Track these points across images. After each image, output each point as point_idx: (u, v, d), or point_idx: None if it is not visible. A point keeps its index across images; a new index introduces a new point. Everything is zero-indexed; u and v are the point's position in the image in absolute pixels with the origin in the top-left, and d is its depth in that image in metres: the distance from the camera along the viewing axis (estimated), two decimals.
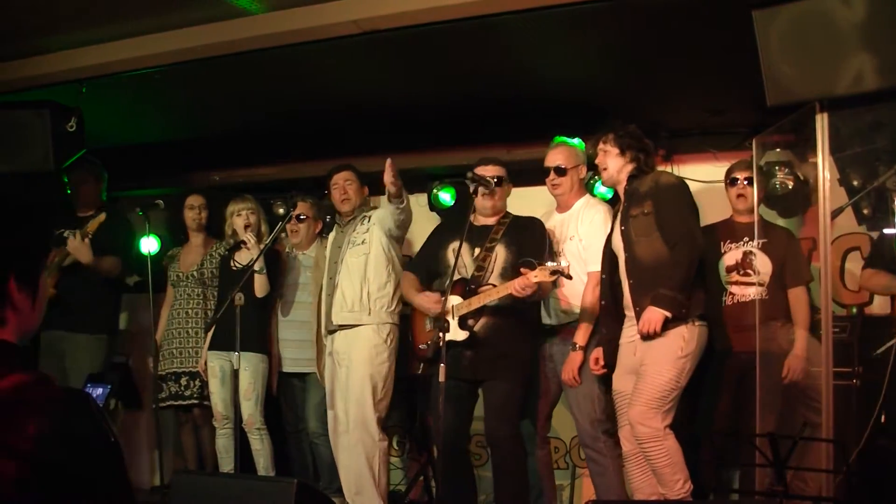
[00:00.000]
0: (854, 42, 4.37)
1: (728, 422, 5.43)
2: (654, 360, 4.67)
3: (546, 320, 5.47)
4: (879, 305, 5.84)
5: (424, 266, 5.58)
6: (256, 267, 5.98)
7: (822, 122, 4.78)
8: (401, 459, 7.01)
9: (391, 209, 5.50)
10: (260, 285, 6.09)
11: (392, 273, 5.74)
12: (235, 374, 5.86)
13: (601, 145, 5.03)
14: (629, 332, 4.88)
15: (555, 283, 5.05)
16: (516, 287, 4.86)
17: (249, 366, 6.07)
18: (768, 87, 4.62)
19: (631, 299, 4.84)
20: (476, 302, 5.11)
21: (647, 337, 4.68)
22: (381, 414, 5.62)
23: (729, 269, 5.59)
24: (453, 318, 5.12)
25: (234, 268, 6.34)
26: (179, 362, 6.54)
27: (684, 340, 4.67)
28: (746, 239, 5.58)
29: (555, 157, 5.46)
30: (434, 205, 6.89)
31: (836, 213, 5.08)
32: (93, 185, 6.65)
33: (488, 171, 5.35)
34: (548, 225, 5.41)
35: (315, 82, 6.05)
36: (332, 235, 6.12)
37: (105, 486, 1.72)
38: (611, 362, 5.01)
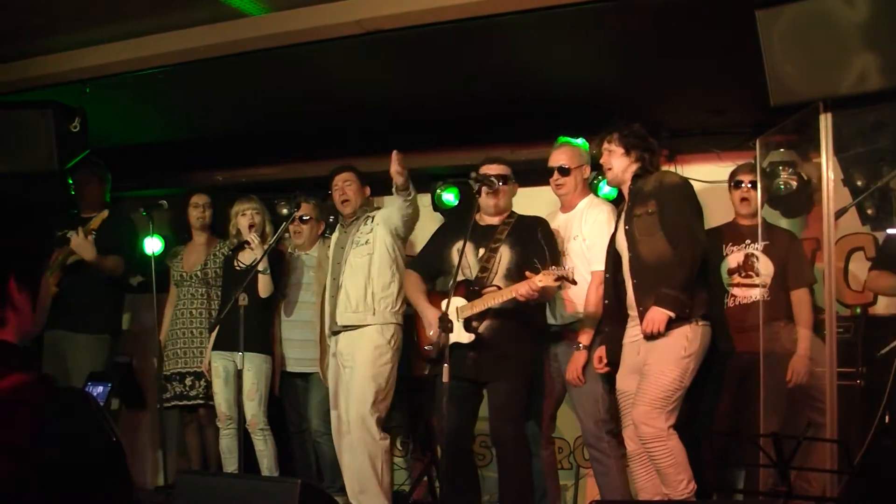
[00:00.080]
0: (857, 42, 4.37)
1: (729, 422, 5.43)
2: (658, 359, 4.67)
3: (550, 321, 5.47)
4: (883, 306, 5.83)
5: (428, 265, 5.59)
6: (260, 267, 5.98)
7: (825, 122, 4.78)
8: (405, 460, 7.01)
9: (398, 203, 5.50)
10: (263, 286, 6.09)
11: (396, 273, 5.73)
12: (239, 374, 5.86)
13: (606, 145, 5.02)
14: (633, 332, 4.88)
15: (559, 287, 5.05)
16: (520, 292, 4.87)
17: (253, 366, 6.06)
18: (772, 87, 4.62)
19: (634, 299, 4.84)
20: (480, 305, 5.12)
21: (650, 337, 4.68)
22: (382, 414, 5.61)
23: (731, 272, 5.59)
24: (458, 320, 5.13)
25: (238, 268, 6.34)
26: (184, 362, 6.54)
27: (687, 340, 4.66)
28: (748, 241, 5.59)
29: (558, 157, 5.47)
30: (437, 205, 6.89)
31: (839, 214, 5.07)
32: (96, 186, 6.64)
33: (493, 170, 5.36)
34: (552, 225, 5.41)
35: (318, 82, 6.05)
36: (335, 236, 6.12)
37: (106, 485, 1.71)
38: (614, 361, 5.01)
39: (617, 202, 5.52)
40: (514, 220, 5.40)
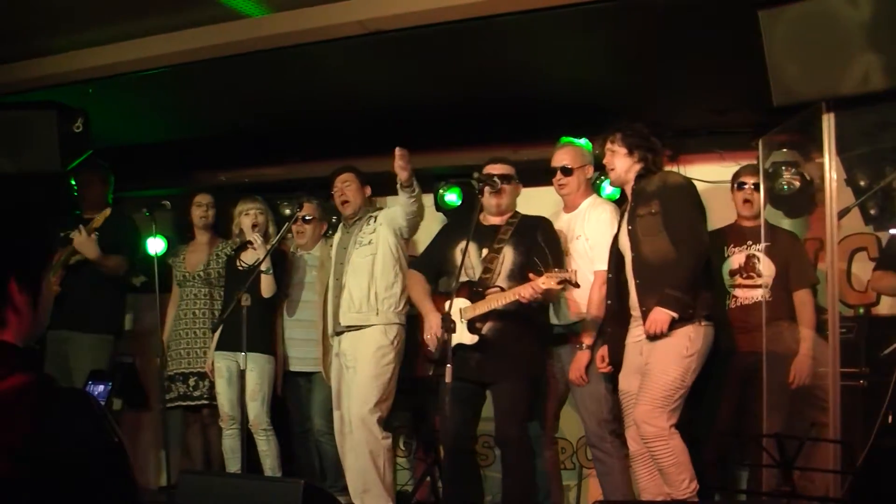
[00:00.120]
0: (860, 42, 4.36)
1: (731, 422, 5.43)
2: (660, 359, 4.67)
3: (554, 321, 5.47)
4: (887, 306, 5.83)
5: (431, 265, 5.59)
6: (263, 267, 5.98)
7: (828, 123, 4.78)
8: (407, 460, 7.01)
9: (403, 200, 5.49)
10: (266, 286, 6.09)
11: (399, 273, 5.74)
12: (242, 374, 5.87)
13: (609, 145, 5.02)
14: (635, 332, 4.88)
15: (562, 289, 5.04)
16: (523, 295, 4.88)
17: (256, 366, 6.06)
18: (774, 88, 4.61)
19: (637, 299, 4.83)
20: (483, 306, 5.12)
21: (653, 337, 4.68)
22: (384, 413, 5.62)
23: (732, 273, 5.59)
24: (461, 321, 5.13)
25: (240, 268, 6.34)
26: (187, 363, 6.54)
27: (690, 340, 4.66)
28: (750, 242, 5.59)
29: (561, 157, 5.47)
30: (440, 205, 6.89)
31: (842, 214, 5.06)
32: (99, 187, 6.64)
33: (496, 170, 5.37)
34: (555, 225, 5.41)
35: (321, 83, 6.05)
36: (337, 236, 6.12)
37: (107, 486, 1.71)
38: (616, 361, 5.01)
39: (619, 202, 5.53)
40: (517, 220, 5.40)
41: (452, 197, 6.89)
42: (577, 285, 4.85)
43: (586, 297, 5.30)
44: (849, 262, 5.99)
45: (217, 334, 6.22)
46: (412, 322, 5.82)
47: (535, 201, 5.77)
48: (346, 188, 5.95)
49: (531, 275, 4.86)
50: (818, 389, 5.10)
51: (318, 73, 5.89)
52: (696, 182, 5.24)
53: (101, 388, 5.37)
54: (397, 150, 5.17)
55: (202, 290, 6.62)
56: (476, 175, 5.31)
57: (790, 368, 5.35)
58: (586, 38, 5.27)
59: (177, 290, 6.79)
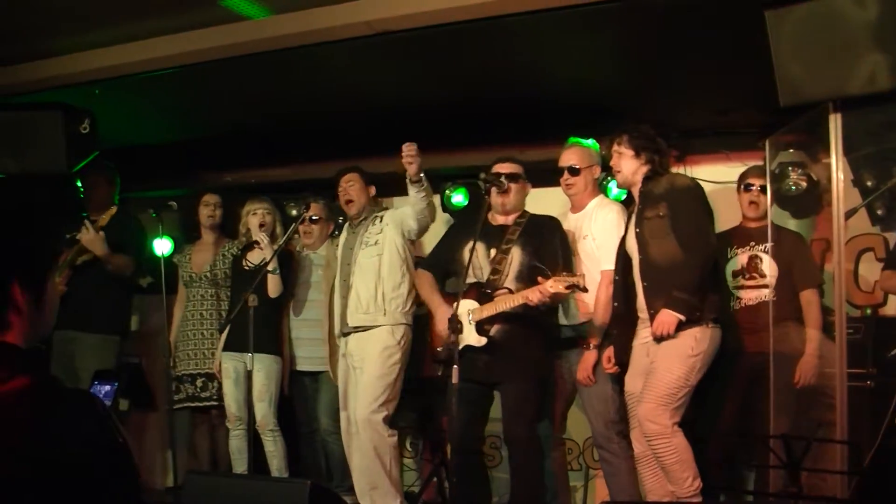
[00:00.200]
0: (867, 42, 4.36)
1: (735, 422, 5.42)
2: (665, 357, 4.68)
3: (563, 321, 5.46)
4: (894, 307, 5.81)
5: (440, 264, 5.59)
6: (270, 267, 5.98)
7: (835, 123, 4.77)
8: (414, 461, 7.01)
9: (412, 196, 5.46)
10: (273, 285, 6.09)
11: (406, 273, 5.74)
12: (249, 375, 5.87)
13: (615, 147, 5.02)
14: (643, 334, 4.88)
15: (570, 293, 5.03)
16: (531, 299, 4.88)
17: (263, 367, 6.06)
18: (781, 88, 4.61)
19: (645, 302, 4.83)
20: (491, 308, 5.12)
21: (659, 339, 4.68)
22: (390, 412, 5.63)
23: (735, 274, 5.58)
24: (470, 322, 5.13)
25: (247, 268, 6.35)
26: (195, 364, 6.54)
27: (696, 340, 4.67)
28: (753, 243, 5.58)
29: (569, 157, 5.47)
30: (446, 206, 6.89)
31: (849, 214, 5.05)
32: (105, 188, 6.62)
33: (504, 169, 5.38)
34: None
35: (328, 83, 6.05)
36: (342, 236, 6.12)
37: (112, 486, 1.71)
38: (623, 362, 5.00)
39: (626, 203, 5.52)
40: (525, 219, 5.39)
41: (459, 198, 6.89)
42: (585, 290, 4.85)
43: (594, 296, 5.29)
44: (856, 262, 5.98)
45: (224, 335, 6.22)
46: (419, 322, 5.82)
47: (540, 202, 5.76)
48: (351, 188, 5.95)
49: (539, 278, 4.86)
50: (825, 388, 5.09)
51: (325, 73, 5.89)
52: (702, 183, 5.24)
53: (107, 388, 5.38)
54: (405, 144, 5.17)
55: (209, 290, 6.62)
56: (483, 176, 5.32)
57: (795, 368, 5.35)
58: (592, 39, 5.26)
59: (183, 290, 6.79)
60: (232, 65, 5.55)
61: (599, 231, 5.35)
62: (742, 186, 5.70)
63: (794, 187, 5.86)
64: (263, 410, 6.11)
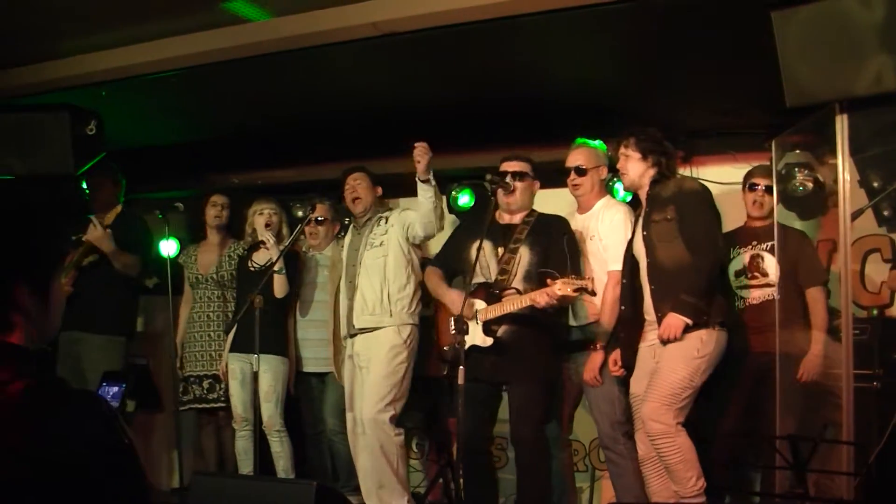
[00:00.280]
0: (873, 42, 4.35)
1: (740, 422, 5.41)
2: (670, 358, 4.70)
3: (571, 322, 5.47)
4: None
5: (448, 263, 5.60)
6: (276, 267, 5.98)
7: (841, 124, 4.76)
8: (420, 461, 7.01)
9: (420, 196, 5.42)
10: (279, 286, 6.09)
11: (412, 274, 5.74)
12: (255, 376, 5.88)
13: (622, 150, 5.02)
14: (649, 337, 4.88)
15: (578, 296, 5.03)
16: (538, 301, 4.87)
17: (269, 368, 6.07)
18: (787, 89, 4.60)
19: (652, 305, 4.84)
20: (498, 309, 5.12)
21: (666, 342, 4.68)
22: (396, 412, 5.63)
23: (737, 273, 5.57)
24: (477, 323, 5.13)
25: (252, 268, 6.35)
26: (202, 365, 6.55)
27: (702, 342, 4.67)
28: (754, 243, 5.57)
29: (576, 158, 5.47)
30: (452, 207, 6.89)
31: (856, 215, 5.05)
32: (110, 189, 6.63)
33: (511, 167, 5.39)
34: None
35: (334, 84, 6.05)
36: (347, 238, 6.12)
37: (117, 487, 1.71)
38: (629, 365, 5.00)
39: (632, 205, 5.52)
40: (534, 218, 5.39)
41: (465, 199, 6.88)
42: (593, 293, 4.85)
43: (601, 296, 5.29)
44: (862, 263, 5.96)
45: (230, 336, 6.22)
46: (427, 323, 5.82)
47: (547, 202, 5.76)
48: (358, 186, 5.95)
49: (548, 280, 4.85)
50: (832, 388, 5.08)
51: (331, 75, 5.90)
52: (709, 184, 5.24)
53: (115, 389, 5.40)
54: (417, 143, 5.18)
55: (215, 292, 6.63)
56: (489, 177, 5.32)
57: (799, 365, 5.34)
58: (597, 39, 5.26)
59: (189, 291, 6.79)
60: (238, 66, 5.56)
61: (606, 232, 5.35)
62: (747, 186, 5.68)
63: (800, 188, 5.86)
64: (270, 411, 6.11)
